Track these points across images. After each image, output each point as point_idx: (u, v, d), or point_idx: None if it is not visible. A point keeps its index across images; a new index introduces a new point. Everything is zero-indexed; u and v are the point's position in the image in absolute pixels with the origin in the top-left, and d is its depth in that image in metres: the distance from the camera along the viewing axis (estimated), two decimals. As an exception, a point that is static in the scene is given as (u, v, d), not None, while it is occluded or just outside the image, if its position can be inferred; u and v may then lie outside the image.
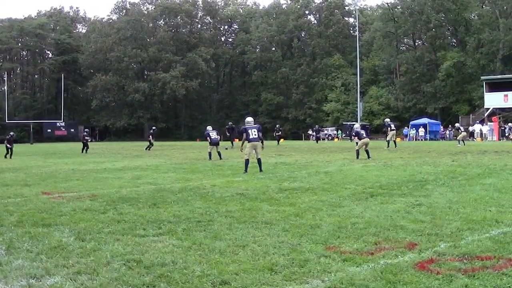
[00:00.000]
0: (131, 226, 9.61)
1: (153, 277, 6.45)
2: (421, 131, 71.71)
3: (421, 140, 68.54)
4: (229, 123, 49.23)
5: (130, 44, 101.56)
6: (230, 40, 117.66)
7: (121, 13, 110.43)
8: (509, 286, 5.89)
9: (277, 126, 45.87)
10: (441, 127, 73.77)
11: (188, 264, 6.98)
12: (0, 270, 6.98)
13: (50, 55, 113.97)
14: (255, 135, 21.01)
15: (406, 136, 72.28)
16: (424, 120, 73.45)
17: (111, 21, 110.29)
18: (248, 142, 21.03)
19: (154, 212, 11.17)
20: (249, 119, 22.08)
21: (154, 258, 7.34)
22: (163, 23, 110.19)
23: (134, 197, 13.55)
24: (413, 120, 75.52)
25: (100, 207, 11.96)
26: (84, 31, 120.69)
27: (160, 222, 9.95)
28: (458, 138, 44.97)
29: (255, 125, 21.66)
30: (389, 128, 39.60)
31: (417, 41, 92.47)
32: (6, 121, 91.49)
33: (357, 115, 79.47)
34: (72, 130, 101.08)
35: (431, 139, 69.04)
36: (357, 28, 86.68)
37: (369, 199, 12.71)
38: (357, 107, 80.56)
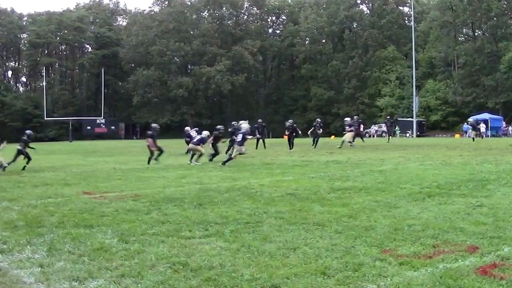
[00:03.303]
0: (176, 228, 9.70)
1: (200, 281, 6.51)
2: (482, 127, 70.79)
3: (482, 137, 67.70)
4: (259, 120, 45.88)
5: (173, 37, 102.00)
6: (278, 32, 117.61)
7: (163, 5, 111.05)
8: None
9: (317, 120, 42.46)
10: (503, 122, 72.72)
11: (237, 267, 7.03)
12: (42, 272, 7.13)
13: (90, 49, 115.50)
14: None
15: (466, 132, 71.42)
16: (485, 116, 72.48)
17: (152, 13, 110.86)
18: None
19: (200, 213, 11.25)
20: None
21: (201, 261, 7.41)
22: (207, 14, 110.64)
23: (179, 197, 13.65)
24: (473, 116, 74.61)
25: (144, 208, 12.09)
26: (124, 24, 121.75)
27: (207, 223, 10.02)
28: None
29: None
30: (347, 128, 39.08)
31: (477, 31, 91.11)
32: (45, 118, 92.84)
33: (412, 111, 78.67)
34: (113, 127, 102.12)
35: (492, 135, 68.10)
36: (412, 18, 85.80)
37: (426, 199, 12.60)
38: (412, 102, 79.75)
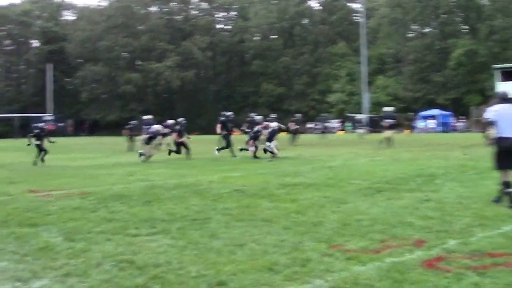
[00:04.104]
0: (122, 225, 9.61)
1: (146, 279, 6.46)
2: (431, 122, 71.75)
3: (431, 132, 68.62)
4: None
5: (121, 32, 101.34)
6: (228, 27, 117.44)
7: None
8: (522, 284, 5.92)
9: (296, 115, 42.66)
10: (453, 118, 73.79)
11: (183, 265, 6.99)
12: (-16, 272, 6.99)
13: (36, 44, 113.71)
14: None
15: (415, 128, 72.37)
16: (435, 112, 73.44)
17: (100, 7, 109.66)
18: None
19: (147, 210, 11.18)
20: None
21: (148, 258, 7.35)
22: (155, 9, 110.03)
23: (126, 195, 13.56)
24: (422, 112, 75.52)
25: (90, 206, 11.97)
26: (72, 18, 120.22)
27: (154, 221, 9.95)
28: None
29: None
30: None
31: (426, 28, 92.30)
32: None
33: (363, 107, 79.29)
34: (61, 124, 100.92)
35: (442, 131, 69.06)
36: (362, 14, 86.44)
37: (376, 195, 12.73)
38: (363, 98, 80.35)
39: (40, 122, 44.69)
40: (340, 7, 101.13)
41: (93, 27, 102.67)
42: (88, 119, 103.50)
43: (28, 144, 26.52)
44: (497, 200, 10.96)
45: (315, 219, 9.81)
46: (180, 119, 28.74)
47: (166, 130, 30.47)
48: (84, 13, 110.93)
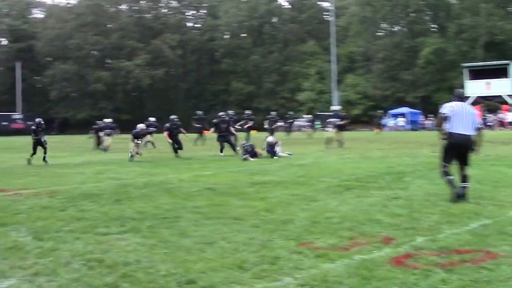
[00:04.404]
0: (92, 224, 9.59)
1: (115, 277, 6.46)
2: (401, 120, 72.20)
3: (401, 130, 69.02)
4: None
5: (91, 31, 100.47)
6: (198, 25, 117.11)
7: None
8: (488, 280, 6.00)
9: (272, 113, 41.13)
10: (422, 116, 74.27)
11: (153, 263, 7.01)
12: (-50, 273, 6.93)
13: (4, 43, 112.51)
14: None
15: (384, 126, 72.72)
16: (404, 110, 73.91)
17: (69, 5, 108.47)
18: None
19: (117, 209, 11.17)
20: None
21: (117, 257, 7.36)
22: (125, 7, 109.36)
23: (96, 193, 13.53)
24: (392, 110, 75.93)
25: (60, 205, 11.91)
26: (41, 16, 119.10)
27: (124, 219, 9.95)
28: None
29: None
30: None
31: (396, 26, 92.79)
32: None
33: (332, 105, 79.57)
34: (30, 122, 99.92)
35: (411, 129, 69.48)
36: (332, 13, 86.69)
37: (345, 192, 12.82)
38: (332, 96, 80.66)
39: (9, 121, 43.80)
40: (309, 6, 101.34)
41: (63, 25, 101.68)
42: (57, 117, 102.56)
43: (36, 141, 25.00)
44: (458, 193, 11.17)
45: (284, 217, 9.87)
46: (172, 117, 28.27)
47: (151, 129, 30.34)
48: (53, 11, 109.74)
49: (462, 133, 11.09)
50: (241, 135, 33.58)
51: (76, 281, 6.38)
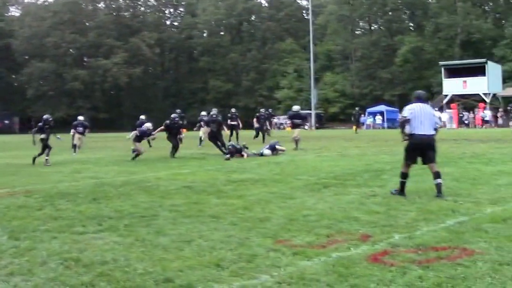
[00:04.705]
0: (69, 223, 9.54)
1: (92, 276, 6.42)
2: (378, 119, 72.48)
3: (379, 128, 69.28)
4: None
5: (68, 29, 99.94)
6: (176, 24, 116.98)
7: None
8: (464, 276, 6.03)
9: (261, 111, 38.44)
10: (399, 114, 74.64)
11: (130, 262, 6.98)
12: None
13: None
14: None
15: (363, 124, 72.93)
16: (381, 108, 74.20)
17: (46, 3, 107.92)
18: None
19: (94, 208, 11.11)
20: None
21: (94, 256, 7.32)
22: (103, 5, 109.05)
23: (73, 192, 13.44)
24: (369, 108, 76.18)
25: (36, 204, 11.83)
26: (17, 14, 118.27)
27: (101, 218, 9.91)
28: None
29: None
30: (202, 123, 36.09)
31: (373, 25, 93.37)
32: None
33: (311, 103, 79.75)
34: (7, 121, 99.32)
35: (388, 127, 69.74)
36: (310, 11, 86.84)
37: (322, 190, 12.84)
38: (310, 94, 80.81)
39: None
40: (288, 4, 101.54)
41: (40, 23, 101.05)
42: (34, 116, 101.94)
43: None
44: (397, 192, 11.77)
45: (261, 214, 9.87)
46: (173, 115, 27.23)
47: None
48: (30, 9, 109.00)
49: (423, 133, 11.53)
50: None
51: (52, 281, 6.33)
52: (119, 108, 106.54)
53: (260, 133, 37.85)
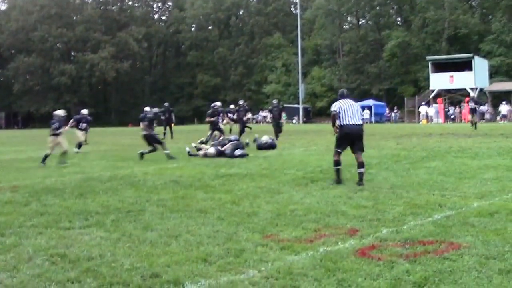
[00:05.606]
0: (55, 219, 9.50)
1: (78, 272, 6.39)
2: (366, 113, 72.59)
3: (366, 122, 69.41)
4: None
5: (55, 23, 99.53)
6: (164, 18, 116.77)
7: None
8: (451, 270, 6.04)
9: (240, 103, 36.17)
10: (387, 109, 74.74)
11: (117, 257, 6.97)
12: None
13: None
14: None
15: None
16: (369, 102, 74.27)
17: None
18: None
19: (81, 203, 11.08)
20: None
21: (80, 251, 7.29)
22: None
23: (60, 188, 13.40)
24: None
25: (22, 199, 11.77)
26: (3, 8, 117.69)
27: (87, 214, 9.88)
28: None
29: None
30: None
31: (361, 19, 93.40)
32: None
33: (298, 97, 79.83)
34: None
35: (376, 121, 69.87)
36: (298, 5, 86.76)
37: (310, 184, 12.87)
38: (298, 89, 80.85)
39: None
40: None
41: (26, 17, 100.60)
42: (21, 111, 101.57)
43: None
44: (334, 181, 12.87)
45: (249, 209, 9.87)
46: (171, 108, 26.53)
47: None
48: (16, 2, 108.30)
49: (352, 123, 12.76)
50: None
51: (38, 277, 6.29)
52: (106, 103, 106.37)
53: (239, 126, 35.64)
